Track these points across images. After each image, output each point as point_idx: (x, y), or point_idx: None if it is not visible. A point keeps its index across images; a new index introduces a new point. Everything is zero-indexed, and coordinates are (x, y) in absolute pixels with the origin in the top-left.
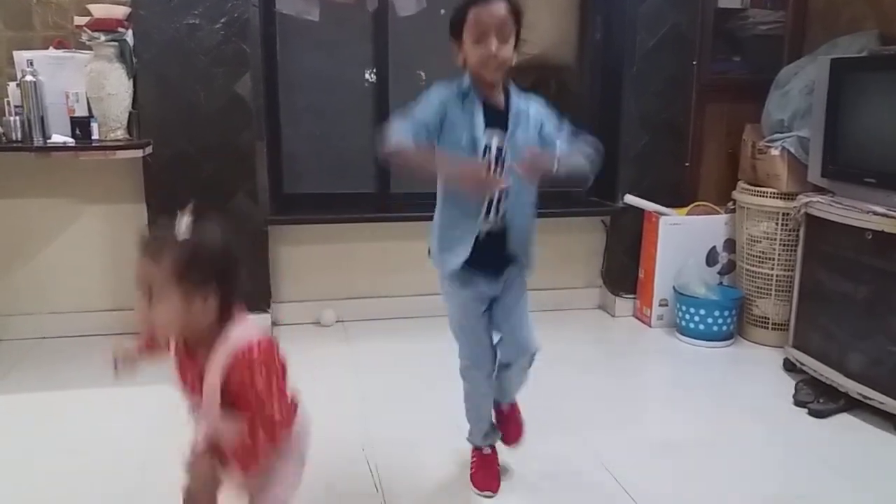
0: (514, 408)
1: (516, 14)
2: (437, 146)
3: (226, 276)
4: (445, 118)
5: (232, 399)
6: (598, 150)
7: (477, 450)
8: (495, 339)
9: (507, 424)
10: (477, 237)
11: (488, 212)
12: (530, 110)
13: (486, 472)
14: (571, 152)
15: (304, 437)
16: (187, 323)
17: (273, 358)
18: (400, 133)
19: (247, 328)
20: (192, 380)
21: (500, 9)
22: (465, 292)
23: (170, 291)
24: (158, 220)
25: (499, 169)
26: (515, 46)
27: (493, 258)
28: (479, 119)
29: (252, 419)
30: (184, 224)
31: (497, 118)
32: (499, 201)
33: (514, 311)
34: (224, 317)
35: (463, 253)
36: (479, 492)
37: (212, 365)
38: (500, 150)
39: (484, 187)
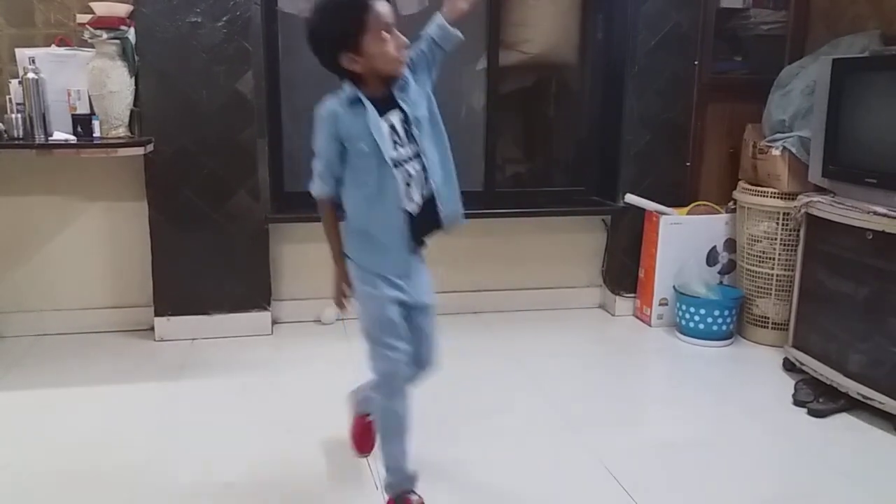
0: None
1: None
2: (350, 167)
3: None
4: (342, 137)
5: None
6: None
7: (365, 417)
8: None
9: (368, 436)
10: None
11: (414, 195)
12: (406, 73)
13: (368, 434)
14: (428, 33)
15: None
16: None
17: None
18: (316, 181)
19: None
20: None
21: (387, 3)
22: (388, 292)
23: None
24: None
25: (410, 137)
26: None
27: (416, 238)
28: (372, 113)
29: None
30: None
31: (387, 102)
32: (424, 175)
33: (429, 324)
34: None
35: (396, 266)
36: (362, 454)
37: None
38: (403, 121)
39: (339, 297)
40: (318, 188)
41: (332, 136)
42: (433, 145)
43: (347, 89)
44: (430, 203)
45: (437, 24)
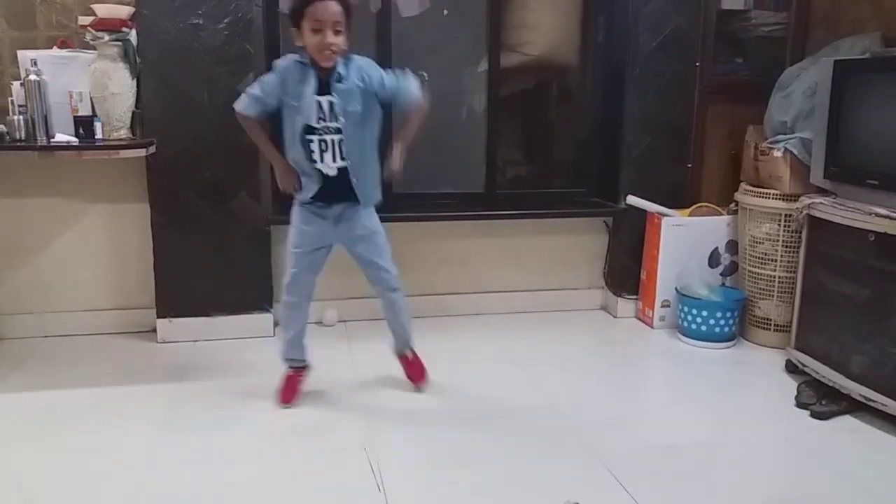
0: (415, 355)
1: (347, 10)
2: (284, 111)
3: None
4: (287, 86)
5: None
6: (420, 79)
7: (289, 366)
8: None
9: (413, 369)
10: (324, 178)
11: (327, 159)
12: (350, 71)
13: (288, 389)
14: (400, 83)
15: None
16: None
17: None
18: (244, 101)
19: None
20: None
21: (334, 6)
22: (307, 227)
23: None
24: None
25: (334, 117)
26: (347, 36)
27: (337, 194)
28: (311, 89)
29: None
30: None
31: (327, 84)
32: (340, 148)
33: (372, 258)
34: None
35: (312, 190)
36: (284, 405)
37: None
38: (331, 104)
39: (286, 184)
40: (244, 105)
41: (280, 81)
42: (357, 132)
43: (307, 57)
44: (344, 172)
45: (403, 101)
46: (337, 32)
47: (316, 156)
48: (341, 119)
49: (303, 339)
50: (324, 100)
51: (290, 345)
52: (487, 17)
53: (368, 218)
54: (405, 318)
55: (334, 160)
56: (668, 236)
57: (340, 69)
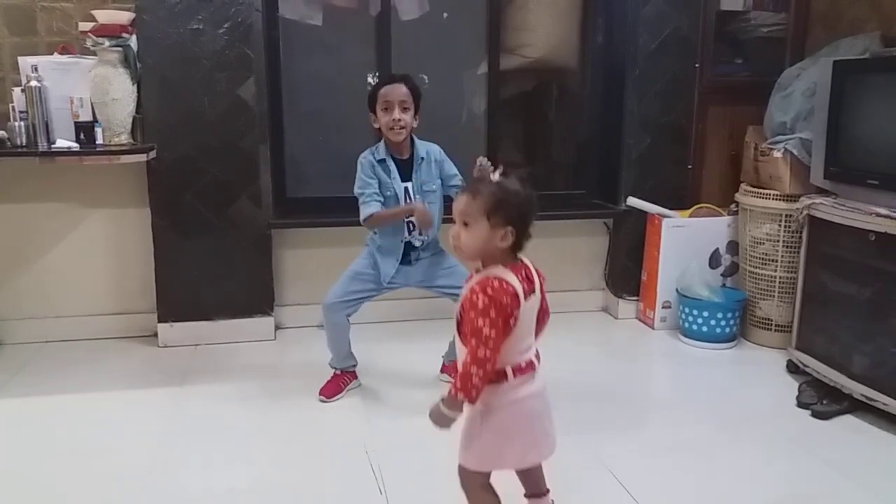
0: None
1: (414, 92)
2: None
3: (521, 220)
4: (378, 177)
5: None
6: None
7: (335, 370)
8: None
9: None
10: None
11: (409, 231)
12: (431, 156)
13: (331, 385)
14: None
15: (521, 415)
16: (485, 250)
17: (501, 301)
18: (370, 208)
19: (503, 271)
20: None
21: (401, 87)
22: (375, 269)
23: (479, 222)
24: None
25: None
26: (416, 115)
27: (406, 255)
28: (397, 177)
29: (471, 350)
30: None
31: (407, 170)
32: (414, 225)
33: (451, 281)
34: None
35: (393, 262)
36: (321, 398)
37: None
38: (412, 188)
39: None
40: (371, 207)
41: (372, 172)
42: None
43: (380, 148)
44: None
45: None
46: (404, 110)
47: (407, 229)
48: (417, 197)
49: (349, 346)
50: (407, 184)
51: (344, 358)
52: (487, 20)
53: (432, 267)
54: None
55: (420, 233)
56: (668, 237)
57: (419, 151)
